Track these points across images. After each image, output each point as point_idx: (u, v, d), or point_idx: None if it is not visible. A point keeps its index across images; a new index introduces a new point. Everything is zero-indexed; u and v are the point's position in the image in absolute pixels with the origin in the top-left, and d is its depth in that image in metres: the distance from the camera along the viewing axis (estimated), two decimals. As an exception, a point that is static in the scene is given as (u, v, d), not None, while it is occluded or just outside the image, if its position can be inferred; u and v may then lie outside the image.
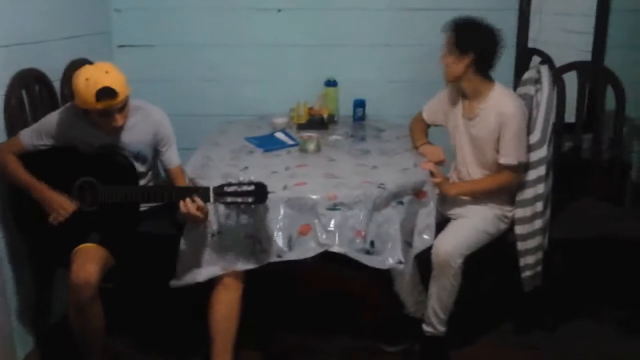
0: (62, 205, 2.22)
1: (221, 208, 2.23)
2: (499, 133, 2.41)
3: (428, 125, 2.80)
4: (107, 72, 2.13)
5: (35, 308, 2.54)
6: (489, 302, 2.89)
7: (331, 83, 3.37)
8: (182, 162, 2.47)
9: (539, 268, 2.56)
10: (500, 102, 2.42)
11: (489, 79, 2.47)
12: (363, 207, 2.22)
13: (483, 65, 2.44)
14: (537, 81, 2.51)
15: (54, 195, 2.23)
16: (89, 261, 2.13)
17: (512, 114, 2.39)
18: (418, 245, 2.38)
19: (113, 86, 2.10)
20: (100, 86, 2.08)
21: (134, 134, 2.34)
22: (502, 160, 2.43)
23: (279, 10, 3.43)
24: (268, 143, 2.84)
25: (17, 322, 2.46)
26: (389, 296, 2.59)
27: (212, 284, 2.27)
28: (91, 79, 2.09)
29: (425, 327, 2.49)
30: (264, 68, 3.51)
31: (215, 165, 2.53)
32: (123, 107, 2.20)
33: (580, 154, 3.10)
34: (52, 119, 2.32)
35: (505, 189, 2.50)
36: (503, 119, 2.39)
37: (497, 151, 2.45)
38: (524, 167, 2.45)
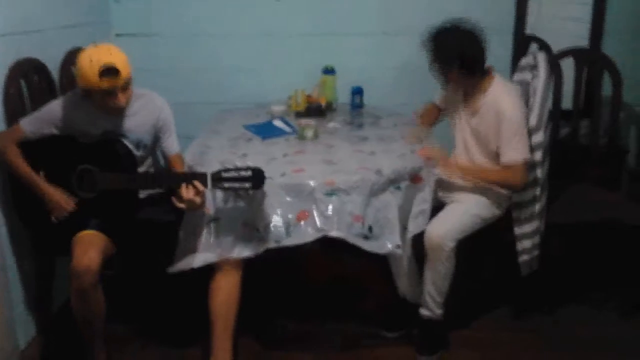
0: (61, 203, 2.26)
1: (219, 194, 2.25)
2: (498, 131, 2.39)
3: (439, 112, 2.79)
4: (110, 52, 2.18)
5: (37, 295, 2.56)
6: (487, 286, 2.91)
7: (329, 71, 3.38)
8: (181, 150, 2.49)
9: (535, 252, 2.59)
10: (498, 98, 2.39)
11: (486, 74, 2.44)
12: (361, 193, 2.24)
13: (472, 68, 2.40)
14: (534, 67, 2.52)
15: (53, 193, 2.26)
16: (90, 248, 2.14)
17: (510, 113, 2.35)
18: (412, 229, 2.39)
19: (116, 65, 2.14)
20: (103, 64, 2.12)
21: (136, 120, 2.36)
22: (504, 159, 2.38)
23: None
24: (266, 131, 2.85)
25: (19, 310, 2.48)
26: (388, 282, 2.62)
27: (211, 270, 2.29)
28: (94, 58, 2.14)
29: (422, 311, 2.51)
30: (262, 56, 3.52)
31: (214, 153, 2.55)
32: (126, 87, 2.23)
33: (577, 140, 3.11)
34: (53, 106, 2.34)
35: (511, 187, 2.45)
36: (500, 117, 2.36)
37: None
38: (529, 166, 2.41)
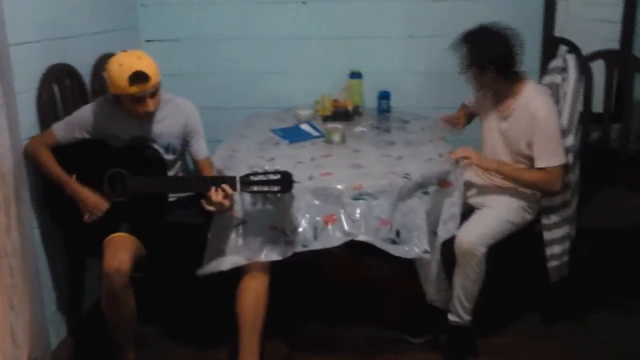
0: (96, 204, 2.28)
1: (247, 197, 2.27)
2: (532, 135, 2.36)
3: (470, 114, 2.81)
4: (139, 58, 2.20)
5: (68, 296, 2.61)
6: (516, 292, 2.88)
7: (356, 75, 3.39)
8: (210, 154, 2.51)
9: (565, 258, 2.55)
10: (531, 102, 2.36)
11: (519, 77, 2.42)
12: (388, 197, 2.24)
13: (506, 71, 2.38)
14: (564, 70, 2.49)
15: (88, 195, 2.28)
16: (120, 250, 2.18)
17: (544, 117, 2.33)
18: (442, 235, 2.38)
19: (145, 70, 2.16)
20: (133, 70, 2.14)
21: (165, 125, 2.39)
22: (541, 164, 2.35)
23: (304, 2, 3.45)
24: (293, 135, 2.87)
25: (50, 311, 2.52)
26: (414, 286, 2.61)
27: (239, 273, 2.31)
28: (124, 64, 2.16)
29: (451, 317, 2.50)
30: (289, 60, 3.54)
31: (241, 157, 2.57)
32: (155, 93, 2.25)
33: (607, 144, 3.07)
34: (84, 111, 2.38)
35: (547, 190, 2.43)
36: (534, 122, 2.34)
37: (532, 151, 2.39)
38: (565, 169, 2.39)
